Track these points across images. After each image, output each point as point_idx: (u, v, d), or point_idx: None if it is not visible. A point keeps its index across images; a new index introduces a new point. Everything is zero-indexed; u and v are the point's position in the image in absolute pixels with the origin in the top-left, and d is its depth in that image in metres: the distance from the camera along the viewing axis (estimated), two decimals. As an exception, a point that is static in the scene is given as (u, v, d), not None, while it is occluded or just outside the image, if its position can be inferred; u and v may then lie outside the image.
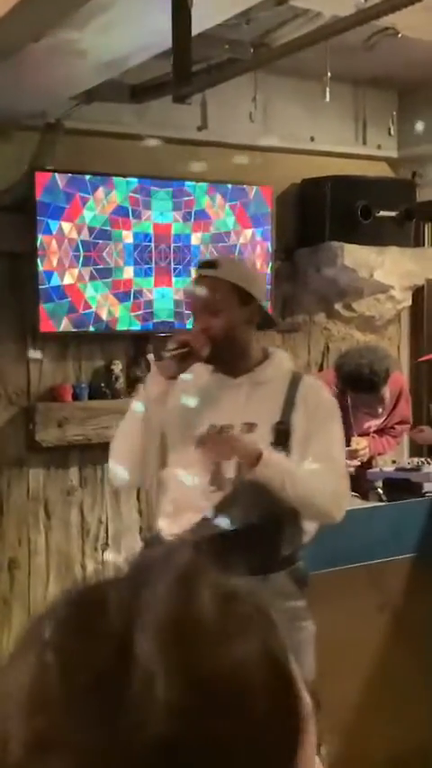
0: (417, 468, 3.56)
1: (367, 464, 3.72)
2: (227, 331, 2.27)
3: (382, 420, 3.80)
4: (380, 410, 3.69)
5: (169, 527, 2.33)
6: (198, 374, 2.35)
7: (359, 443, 3.61)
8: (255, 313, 2.32)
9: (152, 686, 0.48)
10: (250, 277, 2.37)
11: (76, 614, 0.53)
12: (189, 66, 2.20)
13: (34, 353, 3.96)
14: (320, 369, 4.62)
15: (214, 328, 2.25)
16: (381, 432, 3.84)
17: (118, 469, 2.37)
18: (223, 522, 2.24)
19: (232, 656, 0.51)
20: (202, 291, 2.29)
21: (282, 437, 2.27)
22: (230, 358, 2.32)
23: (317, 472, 2.25)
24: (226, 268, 2.30)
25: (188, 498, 2.30)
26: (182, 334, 2.33)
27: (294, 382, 2.33)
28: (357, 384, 3.53)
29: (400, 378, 4.09)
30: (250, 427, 2.30)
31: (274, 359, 2.38)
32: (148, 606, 0.51)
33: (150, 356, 2.27)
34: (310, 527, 2.38)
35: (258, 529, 2.24)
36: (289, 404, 2.30)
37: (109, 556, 4.19)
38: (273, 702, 0.51)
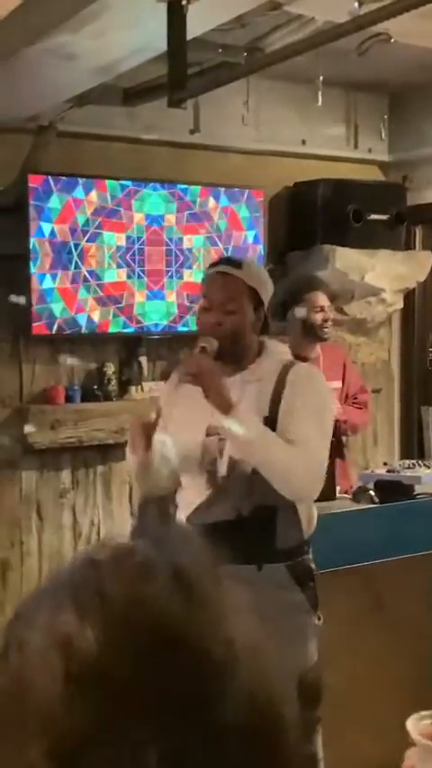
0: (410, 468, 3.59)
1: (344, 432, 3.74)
2: (237, 331, 2.31)
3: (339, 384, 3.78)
4: (329, 317, 3.67)
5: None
6: None
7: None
8: (261, 318, 2.37)
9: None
10: (266, 284, 2.41)
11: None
12: (184, 70, 2.21)
13: (27, 357, 3.98)
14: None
15: (225, 326, 2.29)
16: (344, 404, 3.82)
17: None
18: (213, 514, 2.31)
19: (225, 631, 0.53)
20: (222, 287, 2.32)
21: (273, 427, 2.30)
22: (231, 357, 2.35)
23: (291, 448, 2.26)
24: (248, 270, 2.36)
25: (188, 494, 2.39)
26: (187, 365, 2.33)
27: (283, 374, 2.34)
28: (297, 287, 3.66)
29: (341, 348, 4.16)
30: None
31: (266, 354, 2.40)
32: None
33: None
34: (308, 523, 2.41)
35: (249, 521, 2.30)
36: (276, 396, 2.32)
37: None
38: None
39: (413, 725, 0.79)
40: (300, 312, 3.62)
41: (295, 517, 2.37)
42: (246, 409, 2.26)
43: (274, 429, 2.28)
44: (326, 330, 3.67)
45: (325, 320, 3.65)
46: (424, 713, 0.80)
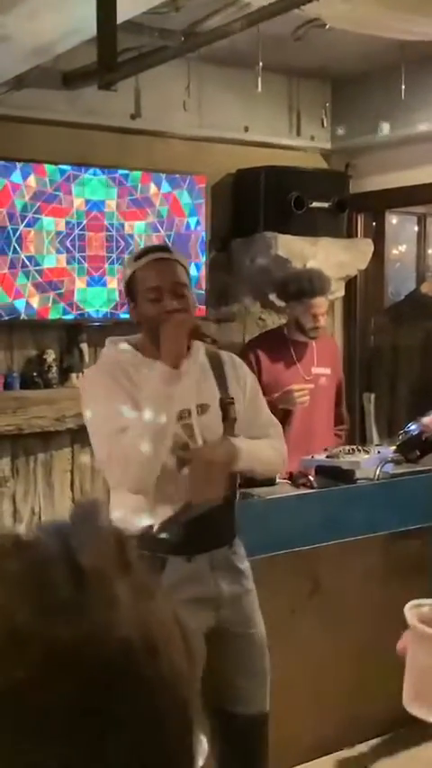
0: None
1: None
2: (191, 313, 2.29)
3: (326, 370, 3.89)
4: (321, 322, 3.77)
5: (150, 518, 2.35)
6: (138, 366, 2.30)
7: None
8: None
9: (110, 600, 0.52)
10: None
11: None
12: (114, 52, 2.19)
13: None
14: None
15: (182, 309, 2.23)
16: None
17: None
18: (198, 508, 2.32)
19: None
20: (169, 272, 2.26)
21: (229, 411, 2.38)
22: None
23: (268, 441, 2.49)
24: (177, 253, 2.37)
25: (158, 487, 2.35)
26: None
27: (215, 358, 2.42)
28: (300, 288, 3.69)
29: (332, 338, 4.37)
30: (204, 408, 2.36)
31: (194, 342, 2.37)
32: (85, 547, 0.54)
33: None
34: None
35: (221, 508, 2.35)
36: (222, 379, 2.39)
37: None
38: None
39: (410, 610, 0.86)
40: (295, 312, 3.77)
41: (236, 493, 2.51)
42: (240, 445, 2.36)
43: (232, 409, 2.37)
44: (317, 330, 3.78)
45: (317, 323, 3.76)
46: (423, 601, 0.86)
